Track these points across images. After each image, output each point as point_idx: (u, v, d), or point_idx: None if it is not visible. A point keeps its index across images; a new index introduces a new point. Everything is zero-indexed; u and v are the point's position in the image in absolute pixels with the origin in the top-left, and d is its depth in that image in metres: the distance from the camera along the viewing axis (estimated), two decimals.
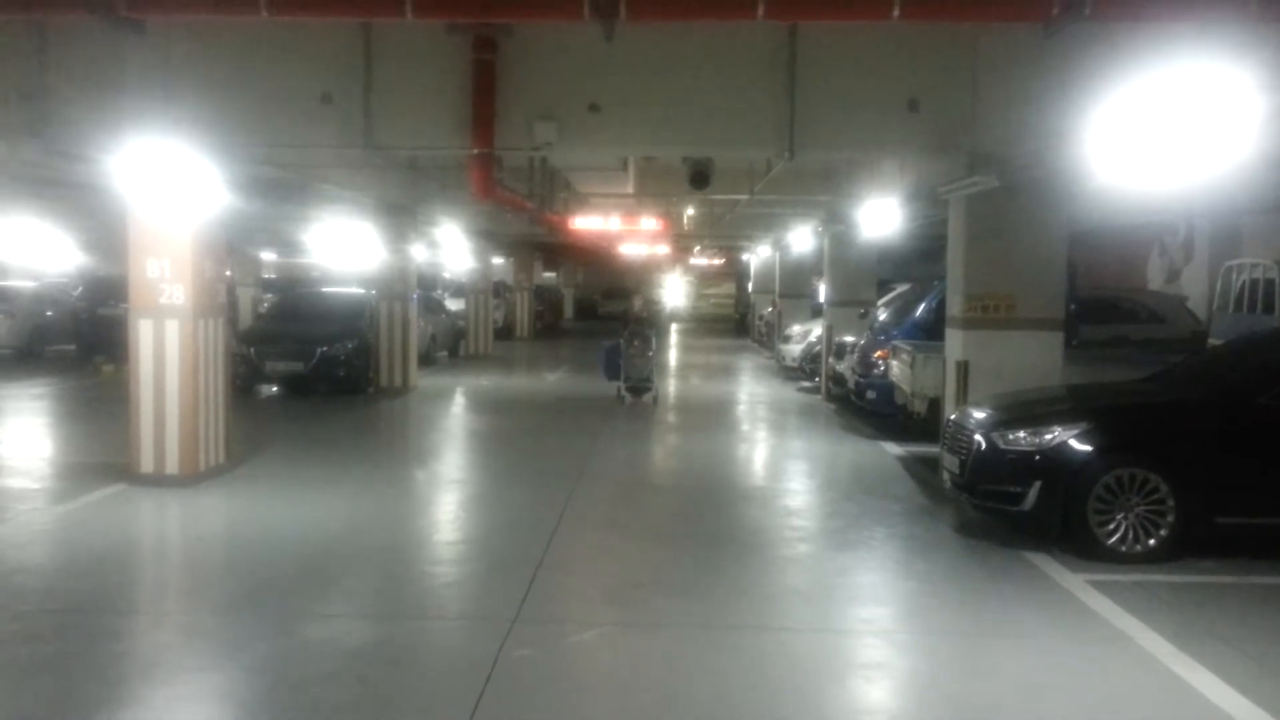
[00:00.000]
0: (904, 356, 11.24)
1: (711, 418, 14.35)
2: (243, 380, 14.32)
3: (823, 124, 8.37)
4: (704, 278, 53.23)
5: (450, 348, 22.84)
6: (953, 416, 8.14)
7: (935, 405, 10.16)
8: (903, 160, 11.28)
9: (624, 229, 18.91)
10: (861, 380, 12.99)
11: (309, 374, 15.17)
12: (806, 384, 17.74)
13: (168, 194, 8.69)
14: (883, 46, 8.24)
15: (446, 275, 30.52)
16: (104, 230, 17.76)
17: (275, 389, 15.64)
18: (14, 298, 21.00)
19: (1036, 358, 8.75)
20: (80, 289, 23.30)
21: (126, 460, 8.96)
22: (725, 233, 24.76)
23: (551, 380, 19.68)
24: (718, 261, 45.17)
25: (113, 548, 7.11)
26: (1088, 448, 6.88)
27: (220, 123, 8.45)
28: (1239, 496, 6.82)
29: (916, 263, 18.49)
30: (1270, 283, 12.91)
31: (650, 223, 18.40)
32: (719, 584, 6.31)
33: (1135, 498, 6.74)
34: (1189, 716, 4.52)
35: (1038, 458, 6.97)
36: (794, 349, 18.92)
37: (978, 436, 7.32)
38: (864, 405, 13.02)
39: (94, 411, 13.87)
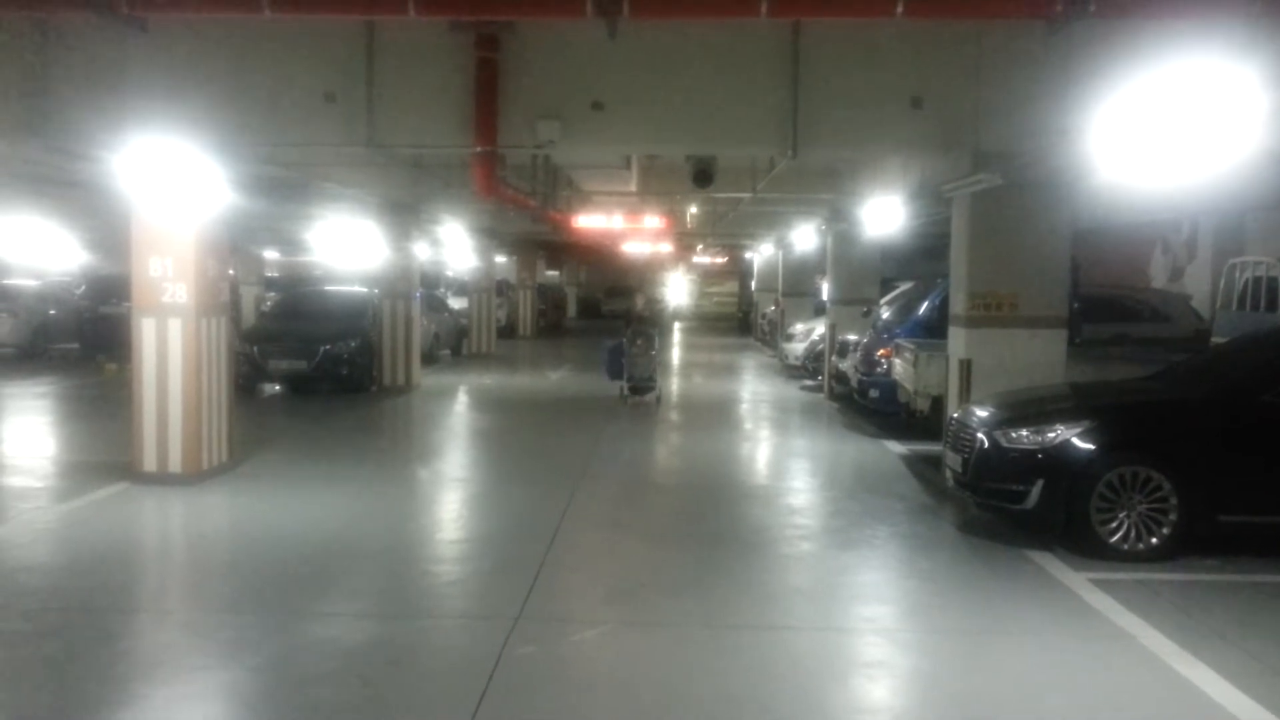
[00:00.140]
0: (907, 355, 11.22)
1: (714, 416, 14.35)
2: (245, 379, 14.32)
3: (826, 121, 8.36)
4: (707, 276, 53.24)
5: (453, 346, 22.85)
6: (955, 415, 8.13)
7: (938, 403, 10.16)
8: (906, 158, 11.27)
9: (627, 227, 18.91)
10: (864, 378, 12.99)
11: (312, 373, 15.18)
12: (809, 382, 17.72)
13: (170, 192, 8.69)
14: (886, 44, 8.24)
15: (449, 274, 30.54)
16: (107, 229, 17.80)
17: (278, 388, 15.65)
18: (17, 296, 21.02)
19: (1039, 356, 8.74)
20: (83, 288, 23.34)
21: (129, 459, 8.97)
22: (728, 231, 24.76)
23: (554, 379, 19.68)
24: (720, 260, 45.16)
25: (116, 546, 7.12)
26: (1090, 446, 6.87)
27: (223, 121, 8.45)
28: (1242, 495, 6.81)
29: (919, 261, 18.48)
30: (1274, 280, 12.90)
31: (653, 221, 18.40)
32: (721, 583, 6.31)
33: (1138, 496, 6.73)
34: (1191, 714, 4.51)
35: (1040, 456, 6.96)
36: (797, 347, 18.91)
37: (980, 435, 7.32)
38: (867, 404, 13.01)
39: (97, 410, 13.88)
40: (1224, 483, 6.77)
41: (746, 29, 8.23)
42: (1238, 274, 13.97)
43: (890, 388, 12.14)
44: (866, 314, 15.50)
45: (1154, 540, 6.72)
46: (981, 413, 7.63)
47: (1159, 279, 20.21)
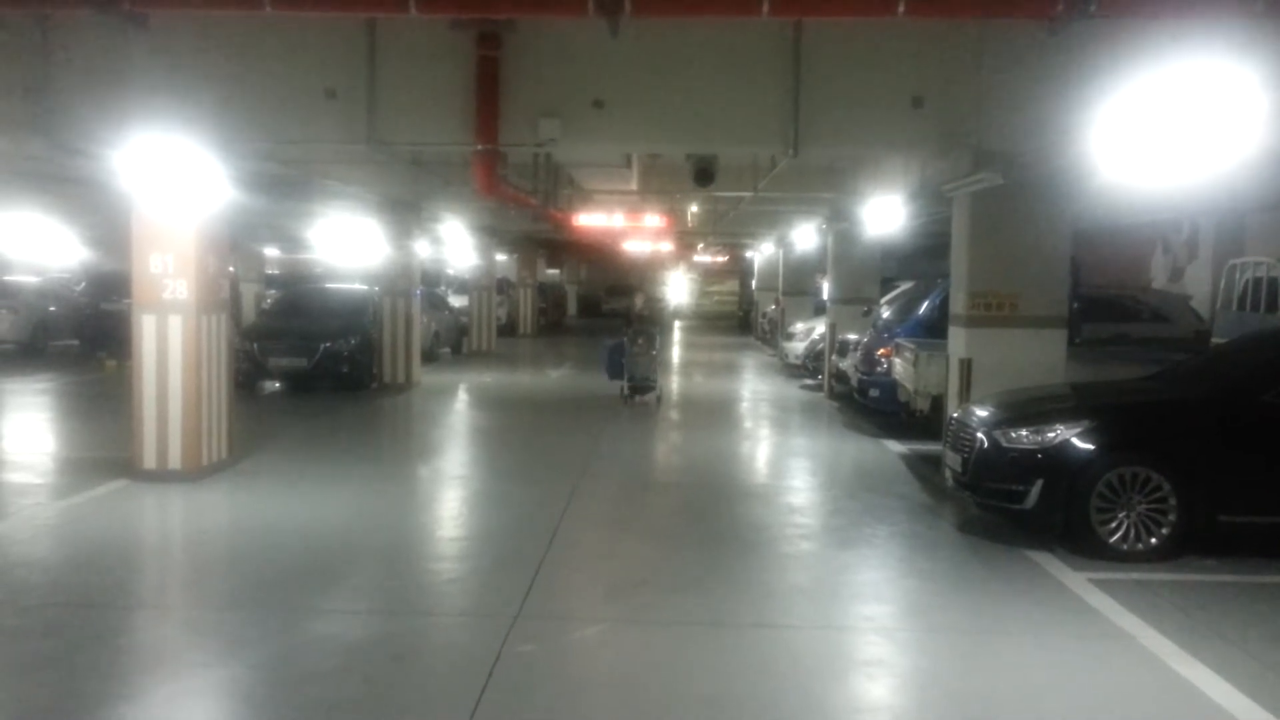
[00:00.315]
0: (907, 354, 11.23)
1: (714, 415, 14.35)
2: (245, 376, 14.31)
3: (827, 120, 8.36)
4: (707, 275, 53.23)
5: (453, 344, 22.84)
6: (955, 414, 8.13)
7: (938, 403, 10.16)
8: (907, 157, 11.27)
9: (628, 226, 18.90)
10: (864, 378, 12.99)
11: (312, 370, 15.17)
12: (809, 381, 17.73)
13: (171, 189, 8.70)
14: (887, 43, 8.24)
15: (450, 271, 30.53)
16: (107, 225, 17.77)
17: (278, 385, 15.64)
18: (17, 293, 21.03)
19: (1039, 356, 8.75)
20: (83, 284, 23.36)
21: (129, 455, 8.97)
22: (729, 230, 24.76)
23: (555, 377, 19.68)
24: (721, 259, 45.15)
25: (116, 543, 7.13)
26: (1090, 446, 6.88)
27: (224, 118, 8.45)
28: (1241, 495, 6.81)
29: (920, 260, 18.49)
30: (1274, 281, 12.91)
31: (654, 219, 18.39)
32: (721, 581, 6.31)
33: (1137, 496, 6.73)
34: (1191, 714, 4.52)
35: (1040, 456, 6.96)
36: (797, 346, 18.92)
37: (980, 434, 7.32)
38: (867, 403, 13.01)
39: (97, 407, 13.88)
40: (1224, 483, 6.77)
41: (748, 28, 8.23)
42: (1238, 274, 13.98)
43: (890, 387, 12.14)
44: (867, 313, 15.51)
45: (1153, 540, 6.72)
46: (981, 412, 7.63)
47: (1159, 279, 20.21)
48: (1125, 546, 6.72)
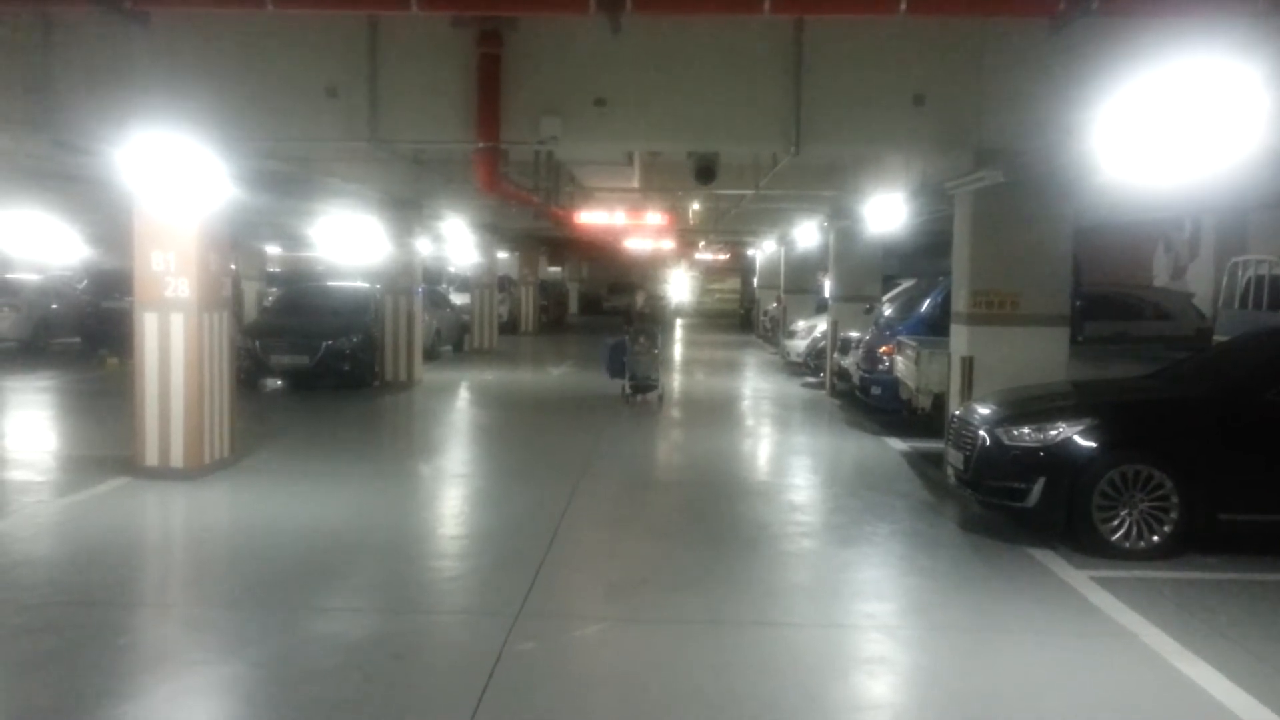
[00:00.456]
0: (909, 352, 11.22)
1: (716, 413, 14.35)
2: (247, 374, 14.31)
3: (828, 118, 8.36)
4: (709, 273, 53.20)
5: (455, 342, 22.84)
6: (957, 412, 8.13)
7: (940, 401, 10.16)
8: (908, 155, 11.27)
9: (629, 224, 18.90)
10: (866, 376, 12.99)
11: (313, 368, 15.17)
12: (811, 379, 17.73)
13: (173, 187, 8.70)
14: (888, 41, 8.23)
15: (451, 269, 30.54)
16: (109, 223, 17.80)
17: (280, 383, 15.64)
18: (19, 291, 21.05)
19: (1041, 354, 8.75)
20: (85, 282, 23.37)
21: (131, 453, 8.98)
22: (730, 228, 24.75)
23: (556, 375, 19.68)
24: (723, 257, 45.12)
25: (117, 541, 7.13)
26: (1092, 444, 6.87)
27: (225, 116, 8.45)
28: (1243, 493, 6.81)
29: (922, 258, 18.48)
30: (1276, 279, 12.89)
31: (655, 217, 18.40)
32: (722, 579, 6.31)
33: (1139, 494, 6.73)
34: (1192, 712, 4.51)
35: (1042, 454, 6.96)
36: (799, 344, 18.92)
37: (982, 432, 7.32)
38: (868, 401, 13.01)
39: (98, 405, 13.88)
40: (1225, 481, 6.77)
41: (749, 26, 8.22)
42: (1240, 272, 13.96)
43: (892, 385, 12.14)
44: (868, 311, 15.51)
45: (1155, 538, 6.72)
46: (983, 410, 7.63)
47: (1161, 277, 20.17)
48: (1127, 544, 6.72)
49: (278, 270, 31.53)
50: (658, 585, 6.25)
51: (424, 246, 19.26)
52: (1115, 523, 6.74)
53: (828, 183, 14.92)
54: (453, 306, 23.39)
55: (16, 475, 9.14)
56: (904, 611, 5.98)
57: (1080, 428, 6.94)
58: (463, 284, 27.05)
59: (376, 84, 8.36)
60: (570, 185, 17.35)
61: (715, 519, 7.99)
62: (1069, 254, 9.06)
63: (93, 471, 8.99)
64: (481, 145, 8.51)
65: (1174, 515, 6.69)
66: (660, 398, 14.67)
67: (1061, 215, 8.88)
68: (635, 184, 16.51)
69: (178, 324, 8.81)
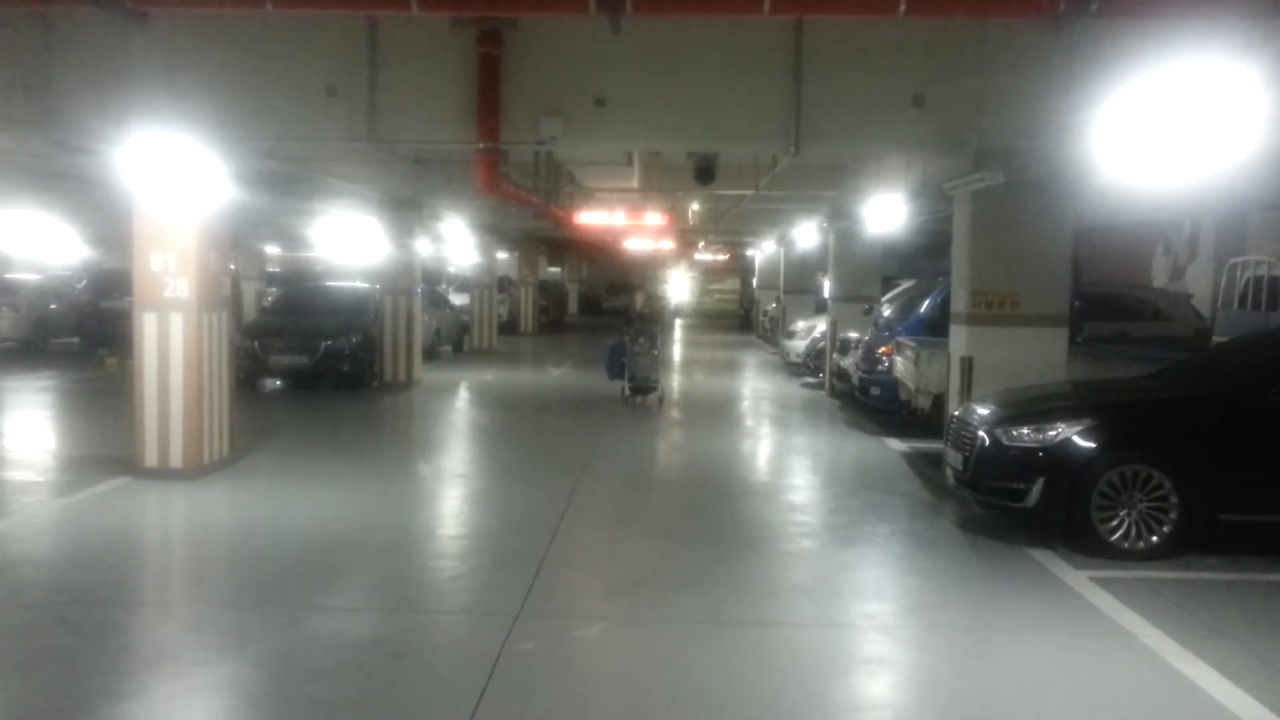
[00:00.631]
0: (908, 352, 11.23)
1: (715, 413, 14.35)
2: (247, 374, 14.31)
3: (828, 119, 8.36)
4: (708, 273, 53.23)
5: (454, 342, 22.85)
6: (957, 413, 8.13)
7: (939, 401, 10.16)
8: (908, 156, 11.28)
9: (629, 224, 18.90)
10: (866, 376, 12.99)
11: (313, 368, 15.18)
12: (810, 380, 17.73)
13: (172, 187, 8.70)
14: (888, 42, 8.23)
15: (451, 270, 30.55)
16: (109, 223, 17.82)
17: (279, 383, 15.65)
18: (18, 290, 21.05)
19: (1041, 354, 8.76)
20: (84, 282, 23.38)
21: (130, 453, 8.98)
22: (730, 228, 24.76)
23: (556, 375, 19.68)
24: (722, 257, 45.15)
25: (117, 541, 7.13)
26: (1091, 444, 6.88)
27: (225, 116, 8.45)
28: (1243, 493, 6.81)
29: (921, 259, 18.50)
30: (1275, 280, 12.89)
31: (655, 218, 18.40)
32: (722, 579, 6.31)
33: (1138, 494, 6.73)
34: (1192, 713, 4.52)
35: (1041, 454, 6.97)
36: (798, 345, 18.92)
37: (981, 433, 7.32)
38: (868, 401, 13.02)
39: (98, 405, 13.88)
40: (1225, 481, 6.77)
41: (749, 26, 8.22)
42: (1239, 273, 13.96)
43: (891, 385, 12.15)
44: (868, 311, 15.51)
45: (1154, 538, 6.72)
46: (983, 411, 7.63)
47: (1160, 278, 20.19)
48: (1126, 544, 6.72)
49: (277, 270, 31.54)
50: (658, 585, 6.25)
51: (424, 247, 19.26)
52: (1114, 523, 6.74)
53: (827, 183, 14.92)
54: (452, 307, 23.39)
55: (16, 475, 9.13)
56: (904, 611, 5.99)
57: (1079, 428, 6.95)
58: (462, 284, 27.06)
59: (376, 84, 8.36)
60: (570, 185, 17.35)
61: (715, 519, 8.00)
62: (1068, 254, 9.08)
63: (92, 471, 8.98)
64: (481, 145, 8.51)
65: (1173, 515, 6.69)
66: (660, 399, 14.67)
67: (1061, 216, 8.88)
68: (635, 184, 16.52)
69: (177, 324, 8.81)
